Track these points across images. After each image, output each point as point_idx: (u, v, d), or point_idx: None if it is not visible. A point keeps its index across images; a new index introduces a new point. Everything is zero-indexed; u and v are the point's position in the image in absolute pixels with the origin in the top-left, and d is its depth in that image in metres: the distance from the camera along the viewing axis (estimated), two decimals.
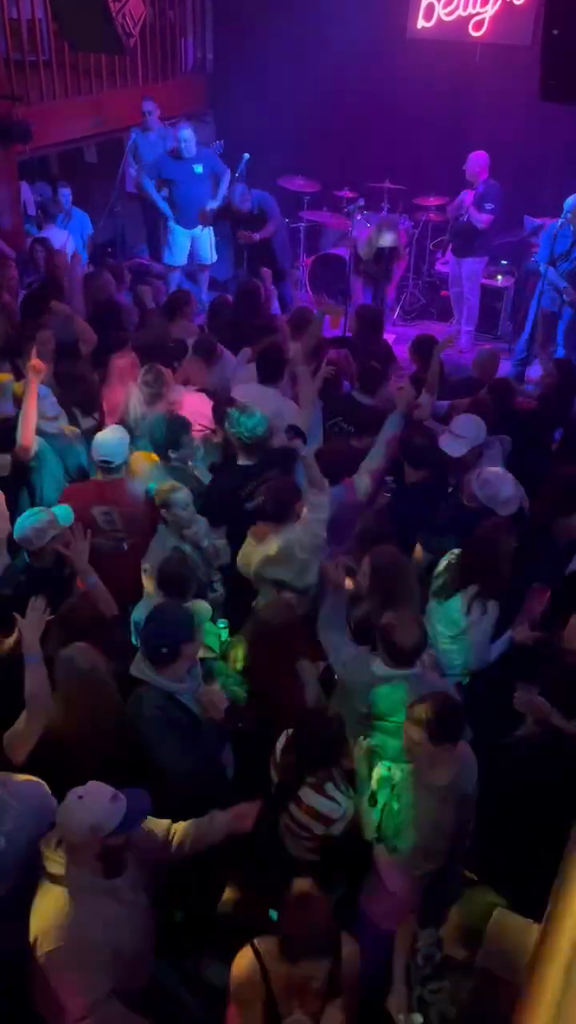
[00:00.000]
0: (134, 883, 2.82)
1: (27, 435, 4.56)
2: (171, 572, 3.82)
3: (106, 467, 4.45)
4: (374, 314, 7.13)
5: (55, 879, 2.68)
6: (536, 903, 2.57)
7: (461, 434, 4.73)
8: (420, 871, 3.02)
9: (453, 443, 4.73)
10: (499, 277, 9.02)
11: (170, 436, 4.65)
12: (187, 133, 8.34)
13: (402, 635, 3.33)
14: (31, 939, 2.65)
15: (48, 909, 2.66)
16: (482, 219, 8.21)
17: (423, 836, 2.98)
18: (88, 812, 2.61)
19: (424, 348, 6.17)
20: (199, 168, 8.47)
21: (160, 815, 3.05)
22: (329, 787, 3.20)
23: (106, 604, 3.98)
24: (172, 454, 4.67)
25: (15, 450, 4.59)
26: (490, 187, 8.19)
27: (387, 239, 8.59)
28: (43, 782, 2.97)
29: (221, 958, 3.46)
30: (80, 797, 2.64)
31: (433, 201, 9.14)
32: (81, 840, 2.62)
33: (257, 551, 4.20)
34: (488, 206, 8.18)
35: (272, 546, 4.11)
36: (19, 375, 5.33)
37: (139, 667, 3.35)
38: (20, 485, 4.67)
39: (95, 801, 2.64)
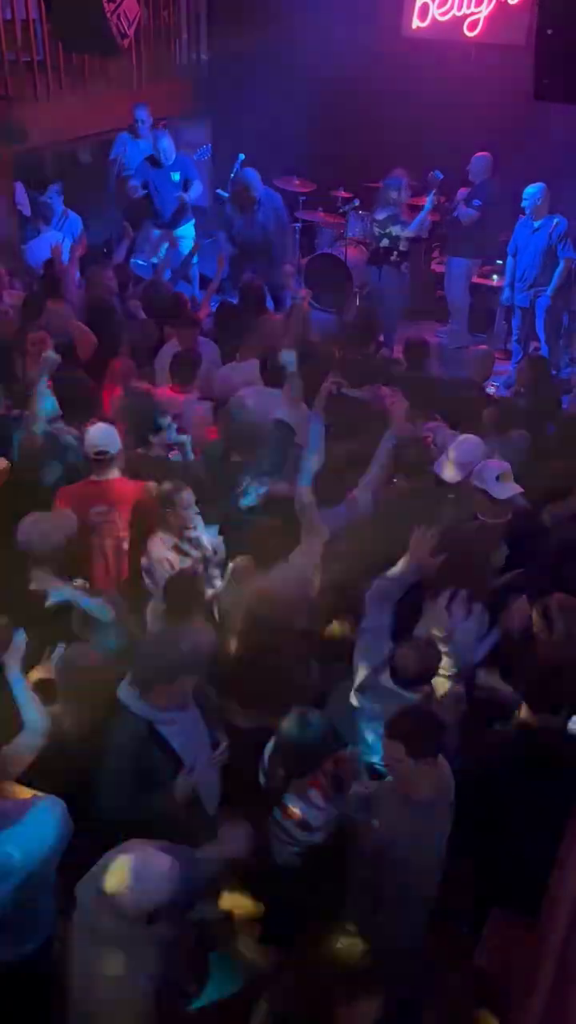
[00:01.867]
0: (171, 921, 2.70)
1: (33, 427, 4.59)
2: (180, 589, 3.77)
3: (101, 457, 4.36)
4: (370, 314, 7.08)
5: (105, 938, 2.56)
6: (529, 901, 2.58)
7: (462, 461, 4.57)
8: (410, 890, 2.99)
9: (452, 470, 4.60)
10: (495, 277, 9.01)
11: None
12: (166, 143, 8.33)
13: (408, 661, 3.37)
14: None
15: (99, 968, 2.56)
16: (466, 214, 8.23)
17: (410, 854, 2.95)
18: (152, 894, 2.47)
19: (414, 349, 6.17)
20: (176, 176, 8.50)
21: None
22: (313, 794, 3.17)
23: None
24: (153, 438, 4.67)
25: (24, 438, 4.60)
26: (485, 186, 8.21)
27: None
28: (61, 800, 2.92)
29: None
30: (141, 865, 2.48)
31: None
32: (138, 915, 2.49)
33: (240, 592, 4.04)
34: (475, 202, 8.19)
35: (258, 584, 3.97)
36: (14, 378, 5.32)
37: (124, 690, 3.18)
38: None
39: (156, 880, 2.48)
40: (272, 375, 5.38)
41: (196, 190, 8.64)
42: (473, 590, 3.85)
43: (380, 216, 8.13)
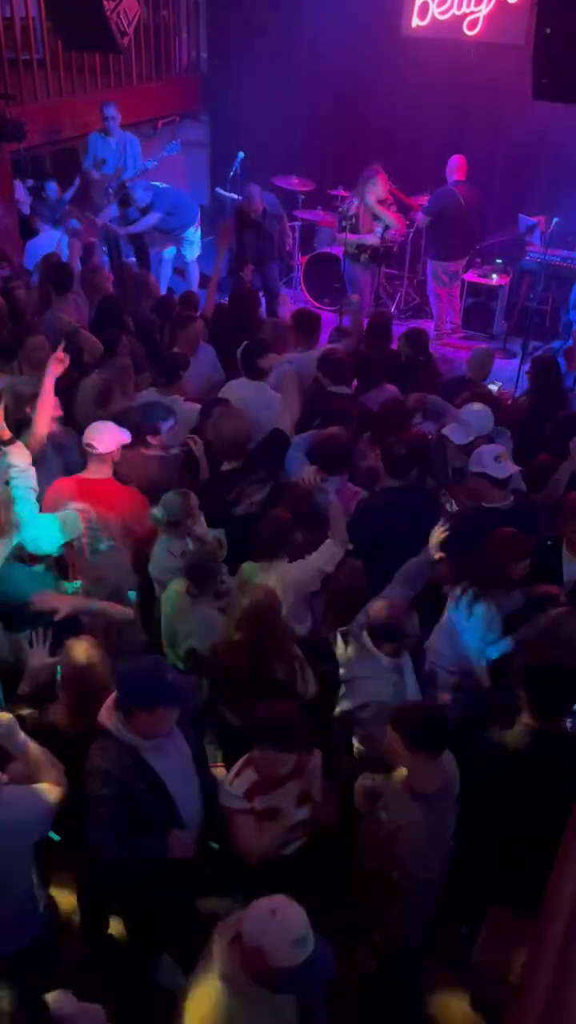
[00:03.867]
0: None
1: (41, 426, 4.59)
2: (198, 563, 3.87)
3: (90, 451, 4.39)
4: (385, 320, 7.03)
5: (218, 974, 2.36)
6: (527, 899, 2.57)
7: (470, 422, 4.74)
8: (418, 882, 2.99)
9: (459, 431, 4.75)
10: (493, 276, 9.02)
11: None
12: (140, 193, 8.21)
13: (380, 613, 3.49)
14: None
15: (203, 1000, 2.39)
16: (420, 219, 8.46)
17: (416, 846, 2.95)
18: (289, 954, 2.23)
19: (415, 338, 6.21)
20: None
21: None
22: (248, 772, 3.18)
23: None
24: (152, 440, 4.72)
25: (27, 441, 4.60)
26: (435, 190, 8.35)
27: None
28: (36, 787, 2.91)
29: (178, 960, 3.49)
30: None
31: (427, 200, 9.14)
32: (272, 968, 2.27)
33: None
34: (423, 206, 8.34)
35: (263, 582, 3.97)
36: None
37: (107, 714, 3.04)
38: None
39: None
40: (254, 368, 5.35)
41: (148, 220, 8.40)
42: (480, 587, 3.87)
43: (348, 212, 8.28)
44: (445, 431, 4.83)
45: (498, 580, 3.87)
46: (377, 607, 3.54)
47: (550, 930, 1.84)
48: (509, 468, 4.34)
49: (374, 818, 3.10)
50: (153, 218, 8.33)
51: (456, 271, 8.84)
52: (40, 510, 4.11)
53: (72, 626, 3.73)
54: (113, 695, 3.04)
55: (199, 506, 4.33)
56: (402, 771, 3.07)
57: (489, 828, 3.19)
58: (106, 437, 4.41)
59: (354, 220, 8.25)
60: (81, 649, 3.34)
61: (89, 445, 4.39)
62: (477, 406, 4.87)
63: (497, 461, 4.30)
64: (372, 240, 8.35)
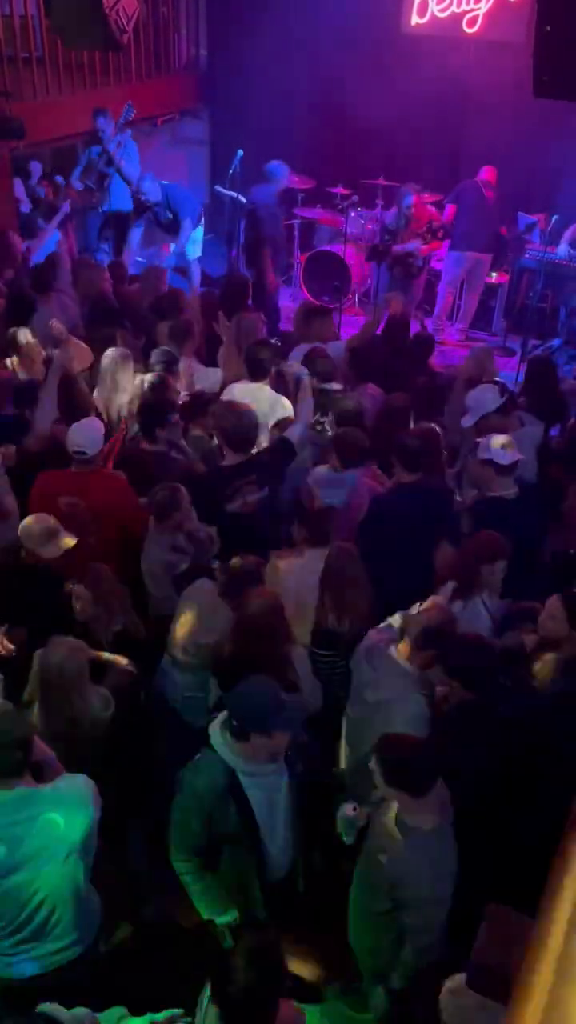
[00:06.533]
0: None
1: (44, 424, 4.60)
2: (243, 567, 3.79)
3: (80, 457, 4.34)
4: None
5: None
6: (527, 897, 2.56)
7: (470, 404, 4.97)
8: (432, 920, 2.90)
9: (466, 418, 4.98)
10: (493, 274, 9.01)
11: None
12: (148, 183, 8.13)
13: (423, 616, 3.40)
14: None
15: None
16: (443, 210, 8.59)
17: (422, 888, 2.84)
18: None
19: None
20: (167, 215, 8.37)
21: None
22: None
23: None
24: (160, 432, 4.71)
25: (30, 439, 4.60)
26: (464, 186, 8.41)
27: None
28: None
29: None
30: None
31: (428, 197, 9.13)
32: None
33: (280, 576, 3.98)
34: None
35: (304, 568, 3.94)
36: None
37: (216, 733, 2.98)
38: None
39: None
40: (256, 370, 5.33)
41: (184, 234, 8.32)
42: (460, 583, 3.86)
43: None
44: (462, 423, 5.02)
45: (473, 581, 3.84)
46: (422, 611, 3.40)
47: (551, 928, 1.84)
48: (513, 455, 4.37)
49: (377, 862, 2.96)
50: (188, 227, 8.26)
51: (475, 266, 8.66)
52: (30, 505, 4.10)
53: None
54: (223, 714, 2.99)
55: (191, 500, 4.30)
56: (393, 806, 2.92)
57: (485, 824, 3.17)
58: (93, 437, 4.37)
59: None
60: (59, 649, 3.30)
61: (79, 452, 4.32)
62: (476, 389, 5.05)
63: (503, 449, 4.34)
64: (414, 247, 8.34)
